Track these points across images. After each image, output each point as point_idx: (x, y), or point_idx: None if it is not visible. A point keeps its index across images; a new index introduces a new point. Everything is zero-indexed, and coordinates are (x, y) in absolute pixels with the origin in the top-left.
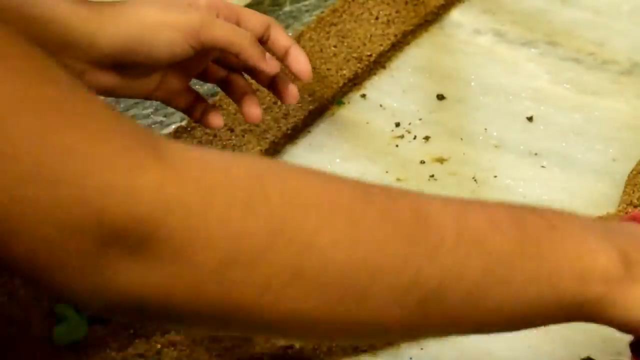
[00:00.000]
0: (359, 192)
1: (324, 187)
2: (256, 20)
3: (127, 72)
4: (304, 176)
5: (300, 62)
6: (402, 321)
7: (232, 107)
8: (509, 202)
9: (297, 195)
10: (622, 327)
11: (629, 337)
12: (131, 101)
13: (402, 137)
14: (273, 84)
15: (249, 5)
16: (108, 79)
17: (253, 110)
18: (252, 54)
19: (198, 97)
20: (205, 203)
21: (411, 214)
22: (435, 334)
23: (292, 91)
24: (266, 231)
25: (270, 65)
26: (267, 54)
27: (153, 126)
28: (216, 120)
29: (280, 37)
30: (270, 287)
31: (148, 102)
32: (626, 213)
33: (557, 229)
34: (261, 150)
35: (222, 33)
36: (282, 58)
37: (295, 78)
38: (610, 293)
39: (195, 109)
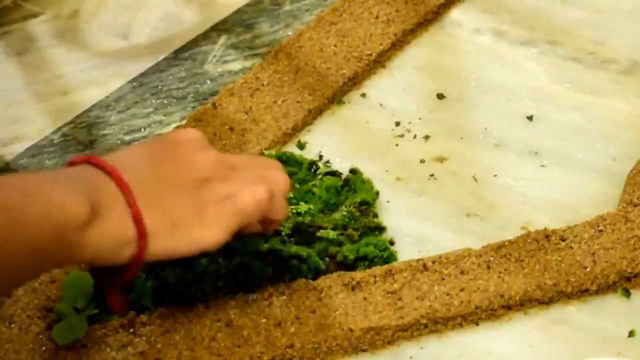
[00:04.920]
0: None
1: None
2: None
3: None
4: None
5: None
6: None
7: (232, 107)
8: None
9: None
10: (97, 259)
11: (629, 337)
12: (131, 100)
13: (402, 136)
14: None
15: (248, 5)
16: None
17: None
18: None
19: None
20: None
21: None
22: None
23: None
24: None
25: None
26: None
27: (153, 125)
28: None
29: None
30: None
31: (148, 102)
32: (626, 212)
33: (30, 196)
34: (261, 150)
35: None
36: None
37: None
38: (83, 235)
39: None
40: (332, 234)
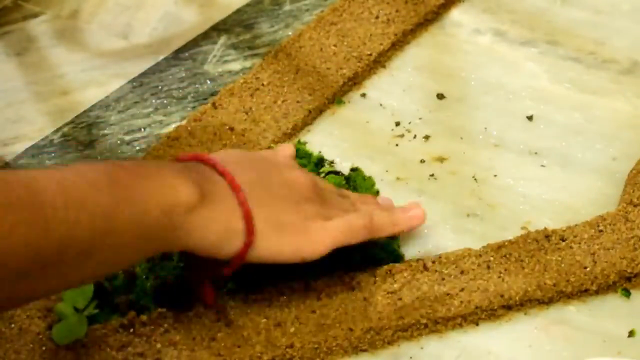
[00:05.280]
0: None
1: None
2: None
3: None
4: None
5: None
6: (27, 291)
7: (232, 106)
8: (103, 162)
9: None
10: (202, 247)
11: (629, 337)
12: (131, 100)
13: (402, 136)
14: None
15: (248, 5)
16: None
17: None
18: None
19: None
20: None
21: (27, 195)
22: (57, 290)
23: None
24: None
25: None
26: None
27: (153, 125)
28: None
29: None
30: None
31: (148, 102)
32: (626, 212)
33: (141, 175)
34: (260, 149)
35: None
36: None
37: None
38: (191, 219)
39: None
40: None
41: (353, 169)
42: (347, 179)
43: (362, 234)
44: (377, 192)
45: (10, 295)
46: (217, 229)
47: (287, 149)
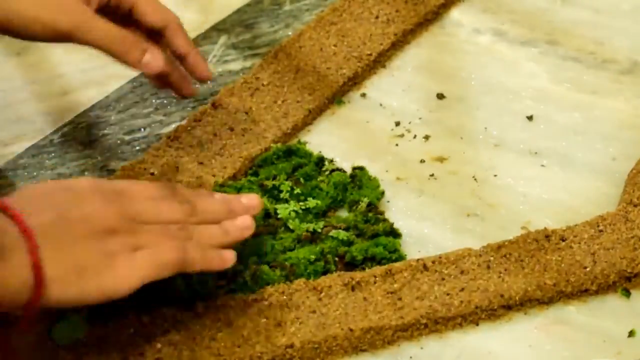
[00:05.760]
0: None
1: None
2: (152, 17)
3: None
4: None
5: (199, 67)
6: None
7: (232, 106)
8: None
9: None
10: None
11: (629, 337)
12: (131, 101)
13: (402, 136)
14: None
15: (248, 5)
16: None
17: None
18: (129, 59)
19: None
20: None
21: None
22: None
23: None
24: None
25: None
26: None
27: (153, 125)
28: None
29: (178, 42)
30: None
31: (148, 102)
32: (626, 212)
33: None
34: (261, 149)
35: (96, 37)
36: (180, 60)
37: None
38: None
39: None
40: (342, 234)
41: (358, 168)
42: (353, 177)
43: (171, 269)
44: (382, 193)
45: None
46: (5, 287)
47: (88, 182)
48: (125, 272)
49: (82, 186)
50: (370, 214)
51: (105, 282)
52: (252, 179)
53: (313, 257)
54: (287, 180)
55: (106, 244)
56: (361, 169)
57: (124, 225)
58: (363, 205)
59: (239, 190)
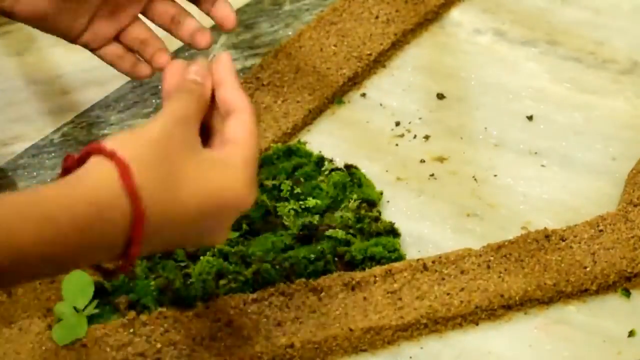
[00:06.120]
0: None
1: None
2: None
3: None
4: None
5: (224, 9)
6: None
7: None
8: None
9: None
10: None
11: (629, 337)
12: (131, 100)
13: (402, 136)
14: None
15: (248, 5)
16: (42, 1)
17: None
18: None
19: (128, 50)
20: None
21: None
22: None
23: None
24: None
25: None
26: None
27: None
28: (143, 70)
29: None
30: None
31: (148, 102)
32: (626, 212)
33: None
34: (261, 149)
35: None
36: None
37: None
38: None
39: (124, 61)
40: (340, 234)
41: (352, 166)
42: (352, 174)
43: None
44: (382, 193)
45: None
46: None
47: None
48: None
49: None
50: (364, 212)
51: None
52: None
53: (313, 256)
54: (287, 180)
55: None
56: (355, 167)
57: None
58: (354, 204)
59: None
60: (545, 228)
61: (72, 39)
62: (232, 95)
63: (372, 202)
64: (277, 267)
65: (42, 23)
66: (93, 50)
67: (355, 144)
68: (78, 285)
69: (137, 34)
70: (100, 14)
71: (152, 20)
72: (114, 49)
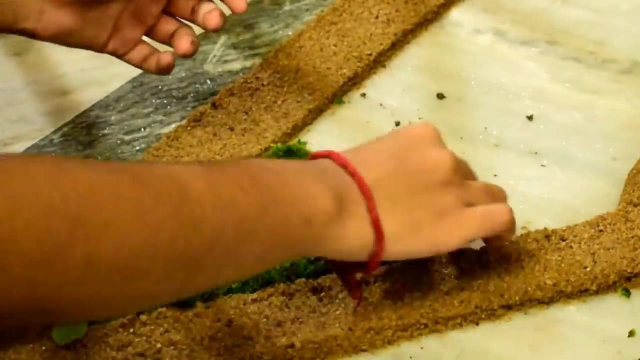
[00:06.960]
0: (132, 179)
1: (107, 180)
2: None
3: (82, 12)
4: (91, 171)
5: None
6: (171, 289)
7: (232, 106)
8: (244, 160)
9: (89, 191)
10: (336, 255)
11: (629, 337)
12: (131, 100)
13: None
14: None
15: (248, 5)
16: (65, 18)
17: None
18: None
19: (152, 50)
20: (11, 210)
21: (176, 190)
22: (197, 291)
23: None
24: (66, 228)
25: None
26: None
27: (153, 125)
28: (166, 58)
29: None
30: (69, 278)
31: (148, 102)
32: (626, 212)
33: (283, 180)
34: (261, 149)
35: None
36: None
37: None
38: (328, 231)
39: (150, 60)
40: None
41: None
42: None
43: (499, 229)
44: None
45: (143, 293)
46: (349, 242)
47: (426, 128)
48: (455, 227)
49: (415, 136)
50: None
51: (435, 236)
52: None
53: (313, 256)
54: None
55: (440, 198)
56: None
57: (459, 178)
58: None
59: None
60: (545, 228)
61: (99, 48)
62: None
63: None
64: (277, 267)
65: (67, 39)
66: (121, 57)
67: (355, 143)
68: None
69: (167, 30)
70: (124, 20)
71: (175, 15)
72: (140, 50)
